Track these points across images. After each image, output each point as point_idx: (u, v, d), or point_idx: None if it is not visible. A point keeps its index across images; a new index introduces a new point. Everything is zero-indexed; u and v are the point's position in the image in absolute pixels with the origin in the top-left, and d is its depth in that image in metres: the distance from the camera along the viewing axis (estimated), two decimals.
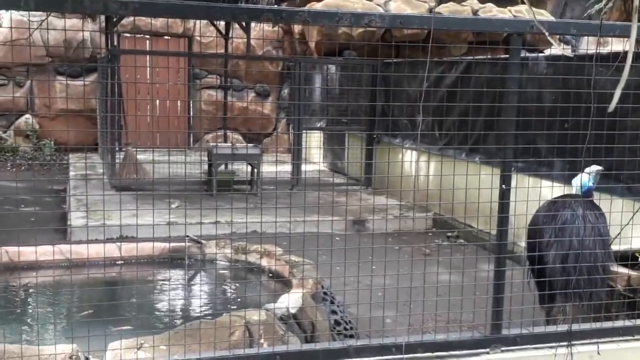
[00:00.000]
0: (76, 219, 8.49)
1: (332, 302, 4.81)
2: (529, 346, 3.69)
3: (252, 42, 14.60)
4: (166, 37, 15.64)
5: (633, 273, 4.79)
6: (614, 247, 4.87)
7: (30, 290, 4.97)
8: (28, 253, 4.99)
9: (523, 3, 14.19)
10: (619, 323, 3.94)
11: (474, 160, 8.48)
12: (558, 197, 5.28)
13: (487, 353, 3.62)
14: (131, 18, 14.22)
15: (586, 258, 4.62)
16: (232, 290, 5.30)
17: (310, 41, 14.34)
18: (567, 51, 10.63)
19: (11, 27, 13.76)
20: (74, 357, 3.22)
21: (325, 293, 4.80)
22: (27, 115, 15.20)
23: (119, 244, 5.51)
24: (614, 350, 3.78)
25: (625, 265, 4.90)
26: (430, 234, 9.37)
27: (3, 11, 14.89)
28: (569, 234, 4.79)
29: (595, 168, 5.05)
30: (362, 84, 11.97)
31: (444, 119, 9.51)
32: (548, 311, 5.00)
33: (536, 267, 4.77)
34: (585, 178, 4.99)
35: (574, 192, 5.20)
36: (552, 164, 7.23)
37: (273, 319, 3.81)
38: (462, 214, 8.43)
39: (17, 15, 13.79)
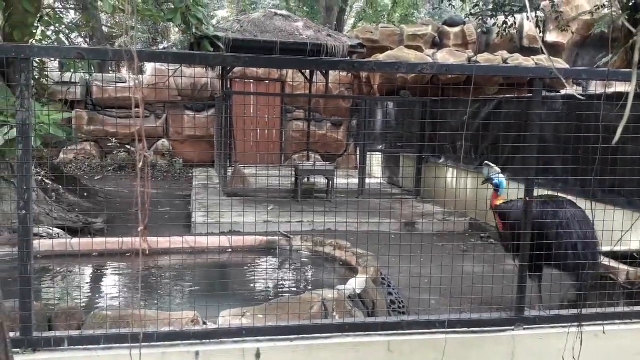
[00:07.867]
0: (198, 217, 8.64)
1: (389, 286, 4.76)
2: (545, 325, 3.59)
3: (330, 84, 14.71)
4: (266, 81, 15.94)
5: (631, 269, 4.58)
6: (617, 249, 4.65)
7: (164, 271, 5.12)
8: (163, 242, 5.12)
9: (544, 53, 13.72)
10: (619, 309, 3.79)
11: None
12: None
13: (512, 330, 3.54)
14: (241, 68, 14.61)
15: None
16: (312, 274, 5.32)
17: (374, 84, 14.32)
18: (579, 92, 10.24)
19: (155, 75, 14.29)
20: (194, 320, 3.30)
21: (383, 279, 4.76)
22: (164, 140, 15.71)
23: (229, 236, 5.60)
24: (616, 330, 3.64)
25: (625, 263, 4.68)
26: (467, 234, 9.17)
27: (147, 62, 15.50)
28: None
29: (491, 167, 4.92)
30: (414, 117, 11.85)
31: (479, 145, 9.33)
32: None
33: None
34: (497, 174, 4.90)
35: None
36: (566, 181, 7.00)
37: (343, 298, 3.81)
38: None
39: (158, 65, 14.31)
